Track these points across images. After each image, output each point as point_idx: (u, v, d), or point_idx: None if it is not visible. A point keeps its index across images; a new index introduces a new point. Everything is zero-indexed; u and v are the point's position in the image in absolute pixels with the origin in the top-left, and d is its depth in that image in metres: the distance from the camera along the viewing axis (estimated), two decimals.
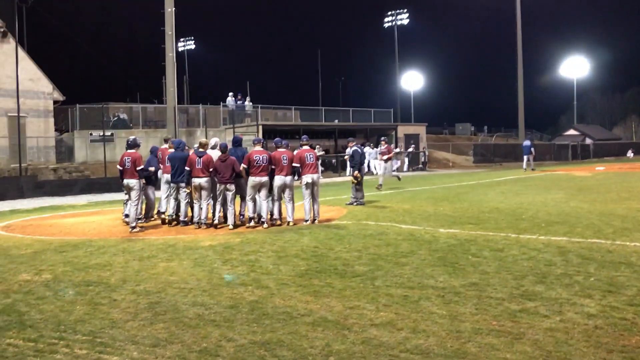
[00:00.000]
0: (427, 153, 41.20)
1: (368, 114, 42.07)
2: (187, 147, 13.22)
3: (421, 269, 7.76)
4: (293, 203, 12.46)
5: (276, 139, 13.49)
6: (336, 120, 39.89)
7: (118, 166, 12.38)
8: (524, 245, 9.24)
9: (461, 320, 5.64)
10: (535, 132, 68.29)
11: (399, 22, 59.32)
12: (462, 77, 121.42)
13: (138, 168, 12.01)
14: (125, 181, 12.08)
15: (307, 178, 12.43)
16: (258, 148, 12.22)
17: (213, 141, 13.03)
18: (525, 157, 33.74)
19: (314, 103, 57.91)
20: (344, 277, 7.41)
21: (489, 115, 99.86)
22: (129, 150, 12.20)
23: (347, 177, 31.87)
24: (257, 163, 11.95)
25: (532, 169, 33.00)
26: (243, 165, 12.01)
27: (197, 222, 12.22)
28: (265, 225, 12.01)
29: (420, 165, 39.48)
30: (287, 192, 12.38)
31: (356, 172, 15.74)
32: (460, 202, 16.21)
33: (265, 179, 12.08)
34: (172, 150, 12.80)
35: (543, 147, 51.07)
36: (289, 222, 12.18)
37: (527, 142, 34.22)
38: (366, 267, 7.94)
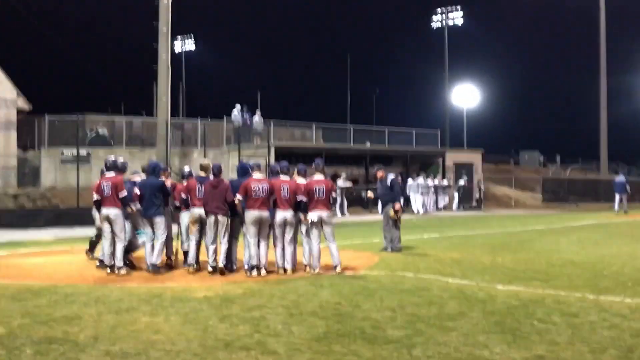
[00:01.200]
0: (483, 188, 41.07)
1: (408, 135, 42.11)
2: (167, 171, 13.72)
3: (472, 336, 7.67)
4: (294, 246, 12.64)
5: (274, 163, 13.69)
6: (368, 143, 40.02)
7: (95, 195, 12.56)
8: (604, 309, 9.10)
9: None
10: (621, 165, 67.79)
11: (450, 23, 59.62)
12: (529, 93, 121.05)
13: (120, 195, 12.21)
14: (105, 211, 12.24)
15: (313, 215, 12.47)
16: (257, 175, 12.37)
17: (187, 169, 13.71)
18: (617, 196, 33.52)
19: (340, 120, 58.29)
20: (373, 344, 7.36)
21: (562, 142, 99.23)
22: (107, 174, 12.40)
23: (378, 215, 31.85)
24: (255, 194, 12.06)
25: (625, 212, 32.70)
26: (239, 197, 12.13)
27: (190, 265, 12.39)
28: (263, 272, 12.13)
29: (475, 204, 39.36)
30: (287, 230, 12.51)
31: (398, 204, 15.69)
32: (524, 251, 16.07)
33: (266, 213, 12.20)
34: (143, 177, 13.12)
35: (633, 184, 50.66)
36: (283, 269, 12.43)
37: (621, 178, 34.08)
38: (402, 332, 7.88)
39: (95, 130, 34.25)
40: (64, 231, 22.29)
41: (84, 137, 32.74)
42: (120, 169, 12.71)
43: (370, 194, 15.87)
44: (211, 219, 12.20)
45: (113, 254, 12.30)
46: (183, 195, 12.87)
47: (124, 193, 12.22)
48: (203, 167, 12.63)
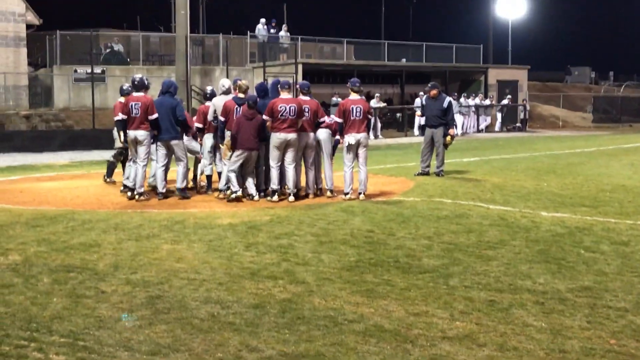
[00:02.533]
0: (528, 107, 40.58)
1: (448, 51, 41.49)
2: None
3: (514, 266, 7.71)
4: (315, 169, 12.80)
5: (302, 82, 13.61)
6: (404, 60, 39.53)
7: (121, 114, 12.52)
8: None
9: (567, 336, 5.59)
10: None
11: None
12: (581, 2, 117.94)
13: (150, 117, 12.23)
14: (132, 133, 12.30)
15: (350, 138, 12.42)
16: (285, 95, 12.31)
17: (227, 83, 13.14)
18: None
19: (373, 35, 57.46)
20: (407, 273, 7.43)
21: (616, 57, 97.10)
22: (135, 94, 12.42)
23: (416, 137, 31.71)
24: (282, 115, 12.02)
25: None
26: (265, 117, 12.13)
27: (223, 191, 12.55)
28: (291, 198, 12.24)
29: (519, 124, 38.95)
30: (308, 153, 12.62)
31: (453, 129, 15.75)
32: (572, 176, 15.98)
33: (293, 136, 12.17)
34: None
35: None
36: (306, 192, 12.59)
37: None
38: (438, 261, 7.94)
39: (110, 46, 34.17)
40: (79, 154, 22.52)
41: (98, 53, 32.70)
42: (147, 87, 12.71)
43: (448, 139, 15.71)
44: (242, 154, 12.13)
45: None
46: (210, 117, 12.75)
47: (154, 115, 12.21)
48: (242, 89, 12.43)
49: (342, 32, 44.11)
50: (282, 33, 35.71)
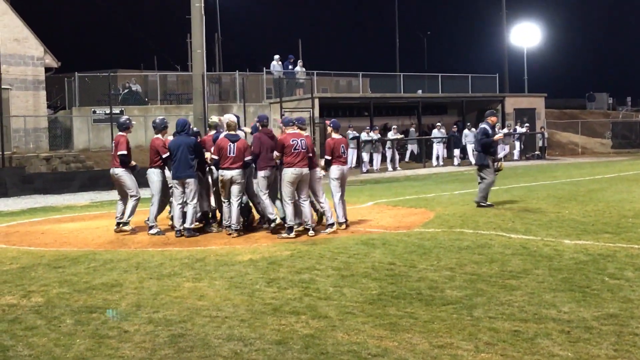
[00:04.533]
0: (546, 135, 40.47)
1: (464, 81, 41.59)
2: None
3: (538, 295, 7.65)
4: (309, 204, 12.73)
5: (285, 117, 13.87)
6: (419, 91, 39.64)
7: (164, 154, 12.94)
8: None
9: None
10: None
11: None
12: (595, 29, 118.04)
13: (119, 153, 12.96)
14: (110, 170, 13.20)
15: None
16: (292, 130, 12.49)
17: (226, 118, 13.20)
18: None
19: (389, 68, 57.75)
20: (430, 305, 7.38)
21: (633, 83, 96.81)
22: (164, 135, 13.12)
23: (433, 169, 31.67)
24: (295, 149, 12.18)
25: None
26: (276, 153, 12.32)
27: (227, 227, 12.59)
28: (312, 232, 12.36)
29: (537, 152, 38.83)
30: (301, 188, 12.58)
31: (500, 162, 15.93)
32: (593, 202, 15.87)
33: (307, 170, 12.39)
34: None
35: None
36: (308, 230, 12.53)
37: None
38: (461, 292, 7.89)
39: (128, 86, 34.54)
40: (100, 195, 22.67)
41: (116, 94, 33.06)
42: (126, 127, 13.50)
43: (499, 135, 15.80)
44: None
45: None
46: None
47: (122, 152, 13.07)
48: (231, 126, 12.55)
49: (357, 66, 44.35)
50: (297, 68, 35.96)
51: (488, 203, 15.31)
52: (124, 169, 13.13)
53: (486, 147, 15.49)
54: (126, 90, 34.20)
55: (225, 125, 12.81)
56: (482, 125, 15.68)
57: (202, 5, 29.10)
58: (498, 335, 6.33)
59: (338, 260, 9.78)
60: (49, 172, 26.75)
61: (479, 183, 15.61)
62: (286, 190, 12.27)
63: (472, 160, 33.17)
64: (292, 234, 12.17)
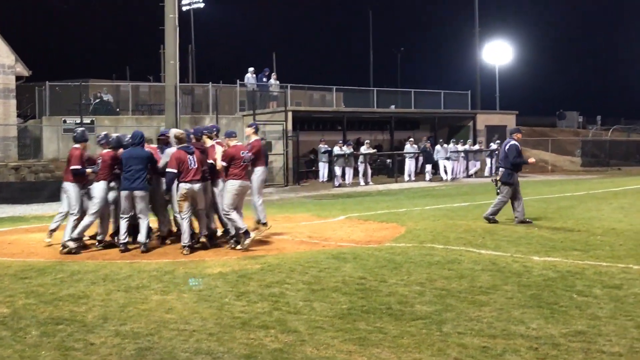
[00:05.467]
0: None
1: (436, 97, 41.88)
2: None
3: (507, 311, 7.68)
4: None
5: (228, 130, 14.12)
6: (392, 106, 39.83)
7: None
8: None
9: None
10: None
11: None
12: (566, 47, 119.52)
13: (71, 167, 12.63)
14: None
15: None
16: (235, 142, 12.65)
17: (173, 132, 12.98)
18: None
19: (362, 83, 57.94)
20: (400, 320, 7.38)
21: (603, 101, 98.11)
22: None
23: (405, 184, 31.78)
24: (244, 161, 12.43)
25: None
26: (222, 163, 12.35)
27: (187, 246, 12.10)
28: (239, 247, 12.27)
29: None
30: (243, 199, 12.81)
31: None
32: (562, 220, 15.98)
33: (249, 183, 12.87)
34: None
35: None
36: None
37: None
38: (431, 307, 7.89)
39: (99, 96, 34.32)
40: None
41: (87, 103, 32.82)
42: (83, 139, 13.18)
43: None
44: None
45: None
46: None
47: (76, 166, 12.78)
48: (179, 138, 12.30)
49: (331, 80, 44.47)
50: (271, 81, 35.98)
51: (494, 218, 15.29)
52: (74, 184, 12.66)
53: (518, 165, 15.48)
54: (97, 100, 33.94)
55: (174, 139, 12.48)
56: (511, 143, 15.45)
57: (176, 16, 29.06)
58: (467, 350, 6.34)
59: (308, 274, 9.75)
60: (18, 181, 26.47)
61: (498, 195, 15.40)
62: (231, 201, 12.26)
63: (444, 175, 33.47)
64: (252, 235, 12.27)
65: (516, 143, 15.52)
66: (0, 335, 6.99)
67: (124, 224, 12.35)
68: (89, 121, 30.64)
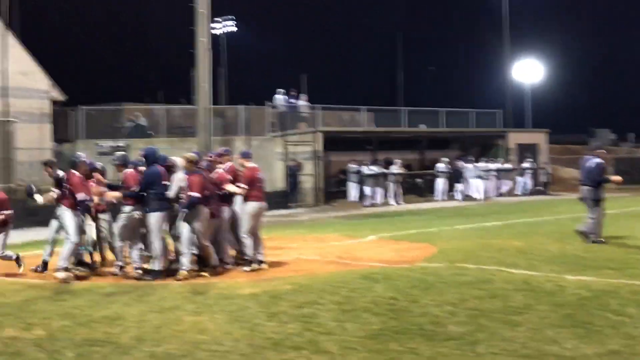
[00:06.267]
0: (549, 170, 40.44)
1: (466, 116, 41.69)
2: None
3: (540, 331, 7.60)
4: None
5: (244, 150, 14.07)
6: (422, 126, 39.73)
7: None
8: None
9: None
10: None
11: None
12: (599, 65, 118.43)
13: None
14: None
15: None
16: (252, 164, 12.55)
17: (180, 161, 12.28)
18: None
19: (392, 102, 58.01)
20: (432, 341, 7.33)
21: (636, 119, 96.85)
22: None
23: (436, 203, 31.62)
24: (259, 183, 12.42)
25: None
26: (243, 186, 12.19)
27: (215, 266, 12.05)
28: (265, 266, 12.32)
29: (540, 187, 38.77)
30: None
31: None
32: None
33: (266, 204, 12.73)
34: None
35: None
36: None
37: None
38: (464, 328, 7.84)
39: (133, 120, 34.68)
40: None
41: (121, 127, 33.16)
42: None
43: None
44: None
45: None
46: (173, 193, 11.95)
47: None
48: (193, 161, 11.95)
49: (361, 100, 44.46)
50: (301, 102, 36.08)
51: (600, 239, 14.83)
52: (69, 210, 12.16)
53: (603, 183, 15.23)
54: (132, 124, 34.31)
55: (186, 163, 11.91)
56: (597, 160, 15.12)
57: (208, 39, 29.31)
58: None
59: (339, 295, 9.73)
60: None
61: (590, 219, 15.03)
62: (250, 224, 12.19)
63: (475, 195, 33.23)
64: (254, 266, 12.16)
65: (601, 161, 15.20)
66: (36, 357, 7.05)
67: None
68: (123, 144, 30.95)
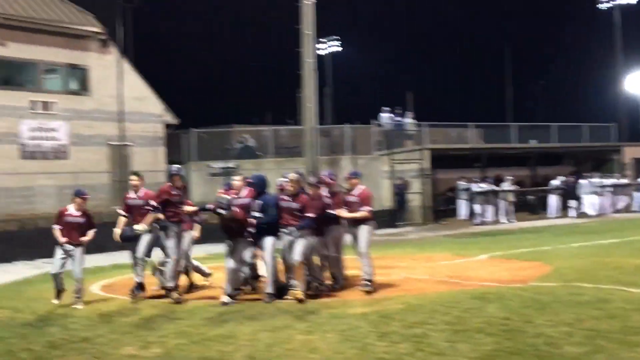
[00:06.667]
0: None
1: (579, 130, 40.61)
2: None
3: None
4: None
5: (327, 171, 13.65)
6: (533, 141, 38.93)
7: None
8: None
9: None
10: None
11: (621, 1, 56.92)
12: None
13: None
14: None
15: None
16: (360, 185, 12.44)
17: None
18: None
19: (500, 118, 57.05)
20: None
21: None
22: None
23: (551, 219, 30.85)
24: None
25: None
26: (369, 208, 12.08)
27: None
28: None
29: None
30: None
31: None
32: None
33: None
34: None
35: None
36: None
37: None
38: (580, 349, 7.63)
39: (242, 141, 35.43)
40: (213, 247, 23.04)
41: (231, 148, 33.94)
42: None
43: None
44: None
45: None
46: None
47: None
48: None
49: (468, 117, 43.92)
50: (407, 119, 36.01)
51: None
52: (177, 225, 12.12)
53: None
54: (241, 145, 35.06)
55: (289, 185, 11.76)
56: None
57: (313, 60, 29.68)
58: None
59: (451, 315, 9.62)
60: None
61: None
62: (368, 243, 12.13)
63: (589, 211, 32.24)
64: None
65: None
66: None
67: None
68: (233, 165, 31.65)
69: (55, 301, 11.97)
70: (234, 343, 8.53)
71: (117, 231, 12.26)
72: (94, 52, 28.78)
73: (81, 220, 12.09)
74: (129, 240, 12.23)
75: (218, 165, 31.55)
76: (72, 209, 12.11)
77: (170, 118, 31.91)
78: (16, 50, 26.06)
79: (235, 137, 36.63)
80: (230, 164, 31.30)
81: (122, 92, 27.47)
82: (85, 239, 12.05)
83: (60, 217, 12.10)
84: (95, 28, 28.51)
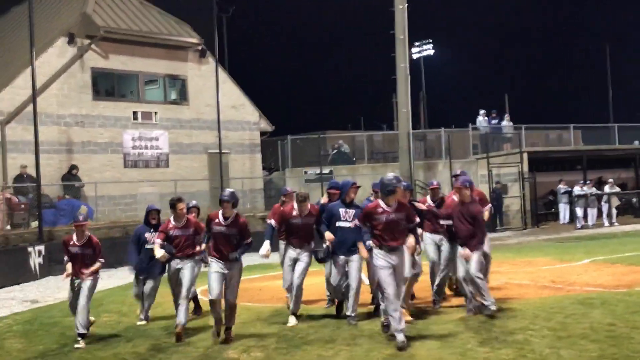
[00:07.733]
0: None
1: None
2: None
3: None
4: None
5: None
6: (637, 142, 37.72)
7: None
8: None
9: None
10: None
11: None
12: None
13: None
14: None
15: None
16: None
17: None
18: None
19: (601, 119, 55.51)
20: None
21: None
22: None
23: None
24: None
25: None
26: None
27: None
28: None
29: None
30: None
31: None
32: None
33: None
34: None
35: None
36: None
37: None
38: None
39: (336, 147, 35.62)
40: None
41: (325, 154, 34.17)
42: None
43: None
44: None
45: None
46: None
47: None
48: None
49: (568, 118, 42.86)
50: (504, 122, 35.47)
51: None
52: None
53: None
54: (335, 151, 35.25)
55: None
56: None
57: (407, 65, 29.63)
58: None
59: (553, 321, 9.45)
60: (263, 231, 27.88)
61: None
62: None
63: None
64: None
65: None
66: None
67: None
68: (327, 171, 31.87)
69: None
70: (333, 347, 8.61)
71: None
72: (192, 62, 29.55)
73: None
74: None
75: (313, 171, 31.79)
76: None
77: (265, 125, 32.41)
78: (118, 62, 27.03)
79: (329, 143, 36.89)
80: (325, 170, 31.51)
81: (219, 101, 28.04)
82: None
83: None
84: (193, 39, 29.27)
